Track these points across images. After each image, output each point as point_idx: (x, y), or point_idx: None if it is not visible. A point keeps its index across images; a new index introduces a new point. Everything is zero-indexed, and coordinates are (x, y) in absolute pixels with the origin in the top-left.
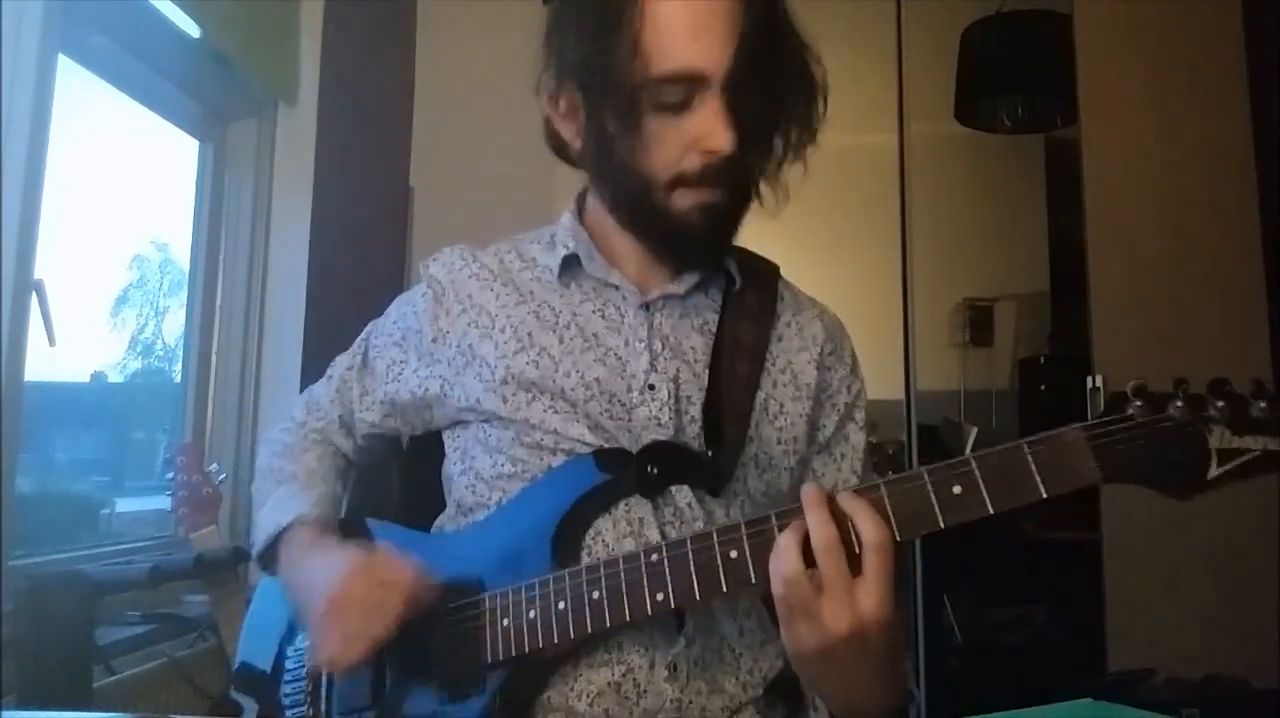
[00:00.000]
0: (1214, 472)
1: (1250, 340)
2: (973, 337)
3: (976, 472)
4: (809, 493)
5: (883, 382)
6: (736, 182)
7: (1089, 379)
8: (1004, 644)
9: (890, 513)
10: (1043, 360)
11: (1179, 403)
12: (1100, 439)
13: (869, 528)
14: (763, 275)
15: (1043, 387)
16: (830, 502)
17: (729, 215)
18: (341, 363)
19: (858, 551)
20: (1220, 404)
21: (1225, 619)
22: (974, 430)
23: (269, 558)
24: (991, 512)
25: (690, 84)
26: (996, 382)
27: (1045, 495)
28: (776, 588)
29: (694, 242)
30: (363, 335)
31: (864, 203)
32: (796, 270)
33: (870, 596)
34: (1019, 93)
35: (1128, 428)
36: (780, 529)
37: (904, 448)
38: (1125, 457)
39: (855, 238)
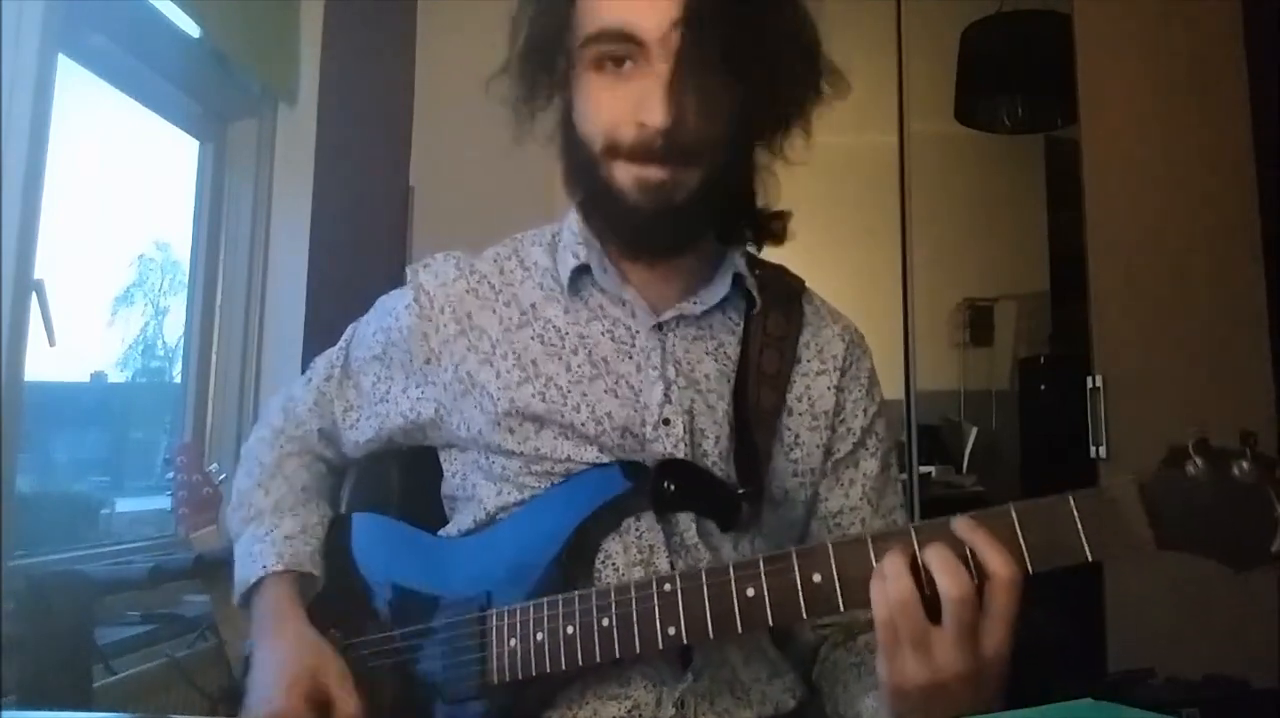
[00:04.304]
0: (1279, 544)
1: (1250, 341)
2: (973, 337)
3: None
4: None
5: (883, 382)
6: (688, 161)
7: (1089, 379)
8: None
9: (1023, 545)
10: (1043, 360)
11: (1245, 463)
12: (1156, 499)
13: (998, 561)
14: (786, 294)
15: (1043, 387)
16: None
17: (686, 199)
18: (320, 369)
19: (977, 582)
20: None
21: (1225, 619)
22: (974, 430)
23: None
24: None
25: (626, 45)
26: (996, 382)
27: (1090, 559)
28: (880, 613)
29: (640, 221)
30: (344, 339)
31: (864, 203)
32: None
33: (994, 635)
34: (1019, 93)
35: (1186, 488)
36: (800, 566)
37: (904, 448)
38: (1182, 521)
39: (855, 238)
